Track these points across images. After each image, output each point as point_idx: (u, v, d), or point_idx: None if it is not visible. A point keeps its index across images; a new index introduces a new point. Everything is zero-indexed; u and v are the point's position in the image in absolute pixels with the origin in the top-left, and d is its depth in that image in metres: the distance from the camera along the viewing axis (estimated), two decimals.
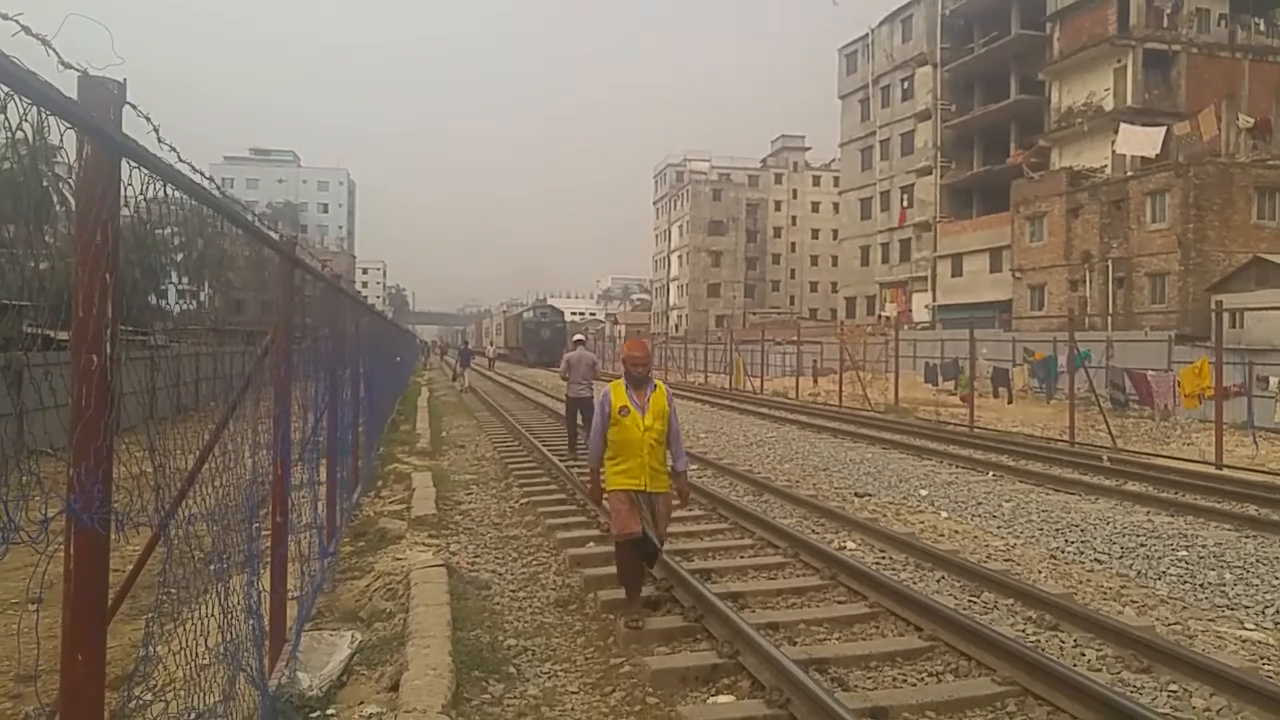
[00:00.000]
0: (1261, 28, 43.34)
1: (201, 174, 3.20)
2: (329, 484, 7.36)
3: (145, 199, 2.64)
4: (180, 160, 2.90)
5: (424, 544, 7.94)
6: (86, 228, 2.26)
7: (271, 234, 4.87)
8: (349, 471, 9.29)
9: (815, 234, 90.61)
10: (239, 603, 3.70)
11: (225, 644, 3.49)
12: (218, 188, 3.53)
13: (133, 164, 2.49)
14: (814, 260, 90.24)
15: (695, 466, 13.08)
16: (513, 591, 6.90)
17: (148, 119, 2.63)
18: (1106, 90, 42.75)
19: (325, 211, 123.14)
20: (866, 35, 61.26)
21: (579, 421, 13.58)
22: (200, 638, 3.22)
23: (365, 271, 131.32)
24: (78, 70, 2.19)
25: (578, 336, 16.35)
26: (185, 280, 4.99)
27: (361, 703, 4.65)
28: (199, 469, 3.49)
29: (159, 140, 2.70)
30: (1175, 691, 4.83)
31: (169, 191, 2.82)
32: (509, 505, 10.43)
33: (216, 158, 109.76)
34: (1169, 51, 41.98)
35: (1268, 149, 39.07)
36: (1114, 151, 40.93)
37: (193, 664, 3.18)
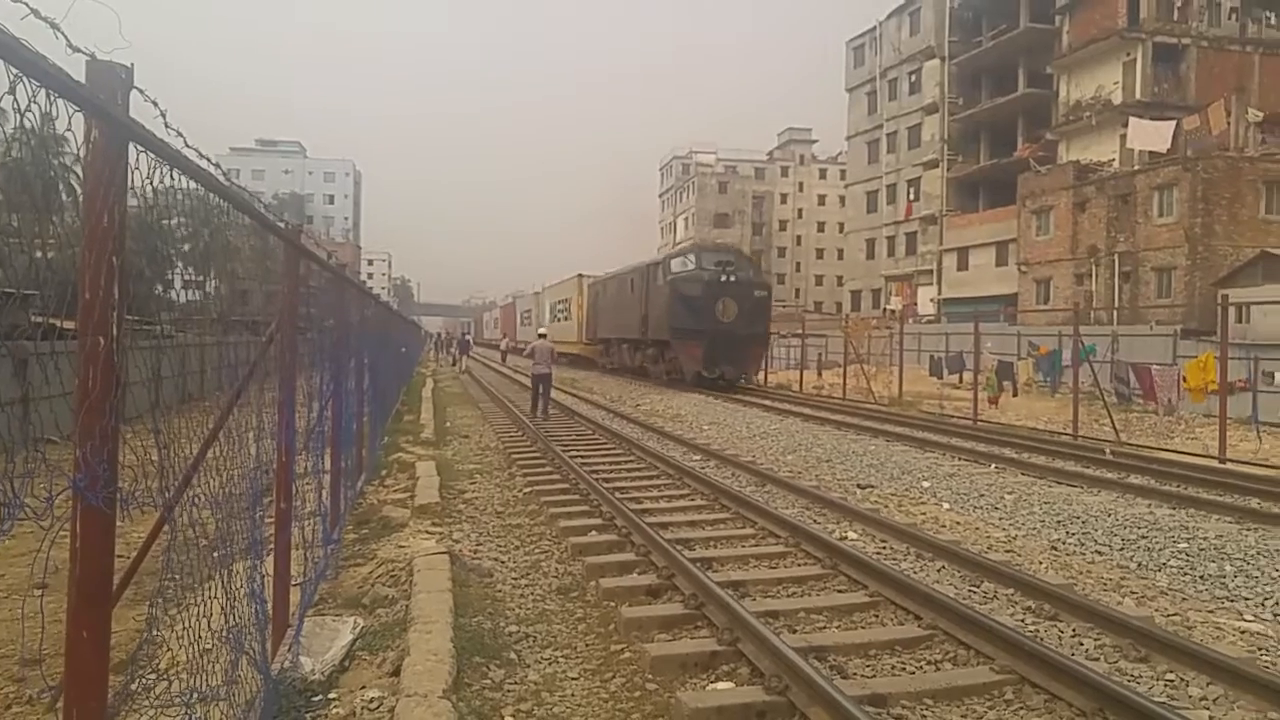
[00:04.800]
0: (1272, 21, 43.11)
1: (208, 159, 3.22)
2: (333, 472, 7.41)
3: (152, 185, 2.67)
4: (187, 146, 2.93)
5: (427, 532, 7.99)
6: (93, 211, 2.29)
7: (277, 223, 4.91)
8: (353, 460, 9.33)
9: (821, 227, 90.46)
10: (242, 587, 3.74)
11: (228, 628, 3.53)
12: (224, 174, 3.56)
13: (140, 148, 2.52)
14: (820, 253, 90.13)
15: (698, 457, 13.14)
16: (515, 579, 6.95)
17: (155, 104, 2.65)
18: (1115, 84, 42.58)
19: (331, 203, 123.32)
20: (874, 28, 61.09)
21: (539, 390, 18.87)
22: (203, 621, 3.26)
23: (370, 262, 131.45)
24: (86, 54, 2.22)
25: (541, 330, 22.41)
26: (191, 270, 5.03)
27: (363, 687, 4.69)
28: (203, 454, 3.53)
29: (166, 125, 2.73)
30: (1172, 680, 4.86)
31: (175, 177, 2.84)
32: (512, 494, 10.48)
33: (223, 149, 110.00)
34: (1179, 45, 41.80)
35: (1277, 143, 38.88)
36: (1122, 145, 40.81)
37: (196, 647, 3.22)
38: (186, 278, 5.36)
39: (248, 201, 3.97)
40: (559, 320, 46.43)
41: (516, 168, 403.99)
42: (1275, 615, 6.27)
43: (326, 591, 6.41)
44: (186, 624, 3.20)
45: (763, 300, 27.17)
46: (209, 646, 3.38)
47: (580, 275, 40.73)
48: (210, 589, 3.39)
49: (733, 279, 26.01)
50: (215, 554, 3.54)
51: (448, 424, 17.96)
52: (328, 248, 9.14)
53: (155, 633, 2.99)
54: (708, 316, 25.19)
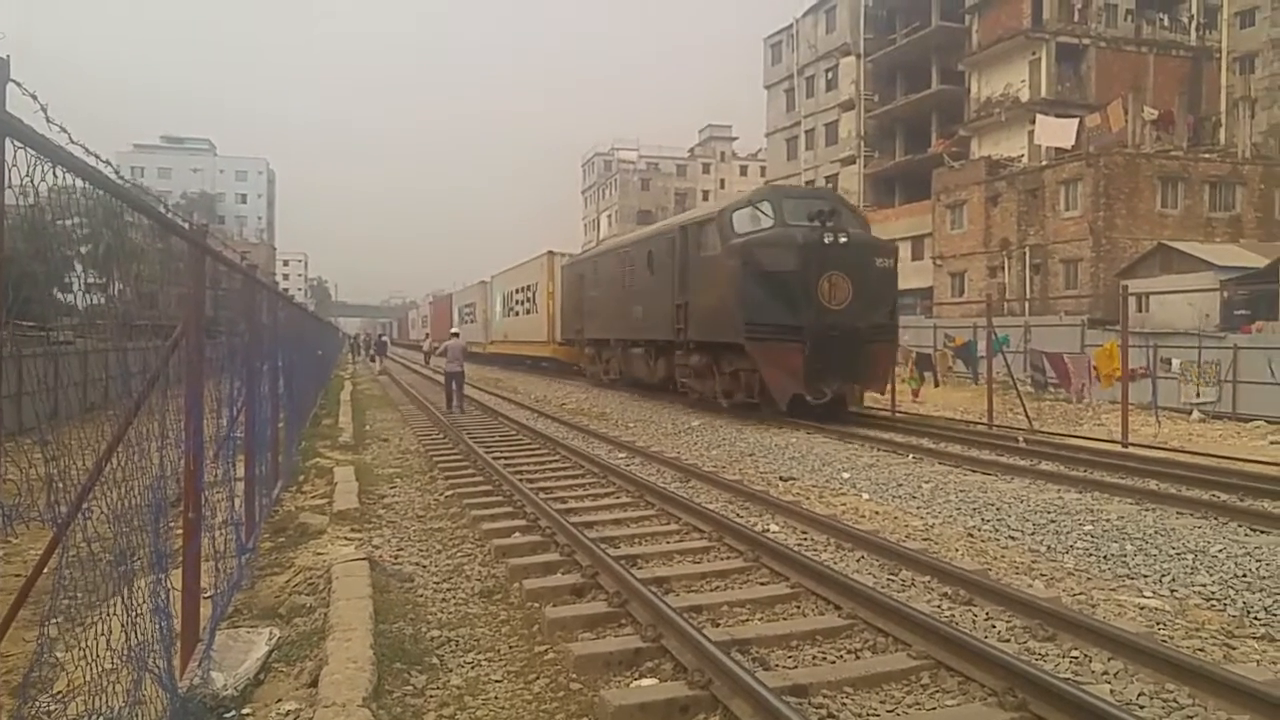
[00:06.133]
0: (1165, 23, 45.17)
1: (97, 157, 3.07)
2: (247, 479, 7.19)
3: (33, 183, 2.54)
4: (73, 142, 2.79)
5: (346, 538, 7.82)
6: None
7: (181, 223, 4.73)
8: (269, 467, 9.07)
9: None
10: (146, 603, 3.59)
11: (131, 646, 3.39)
12: (116, 172, 3.40)
13: (18, 144, 2.40)
14: None
15: (623, 455, 13.15)
16: (436, 583, 6.84)
17: (34, 97, 2.53)
18: (1022, 82, 44.07)
19: (244, 202, 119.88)
20: (791, 26, 61.88)
21: (452, 386, 20.61)
22: (103, 640, 3.12)
23: (286, 263, 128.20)
24: None
25: (454, 330, 25.13)
26: (90, 273, 4.82)
27: (279, 700, 4.57)
28: (101, 465, 3.38)
29: (48, 120, 2.60)
30: (1077, 657, 5.05)
31: (59, 175, 2.71)
32: (433, 498, 10.32)
33: (126, 145, 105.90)
34: (1080, 45, 43.47)
35: (1170, 140, 40.71)
36: (1030, 141, 42.24)
37: (95, 667, 3.08)
38: (88, 281, 5.13)
39: (143, 200, 3.82)
40: (516, 314, 36.82)
41: (443, 170, 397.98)
42: (1172, 591, 6.56)
43: (242, 602, 6.22)
44: (85, 644, 3.07)
45: (887, 273, 17.14)
46: (110, 666, 3.24)
47: (550, 253, 32.96)
48: (111, 606, 3.25)
49: (841, 239, 15.93)
50: (118, 570, 3.39)
51: (367, 427, 17.62)
52: (239, 248, 8.86)
53: (49, 655, 2.86)
54: (807, 303, 15.73)
